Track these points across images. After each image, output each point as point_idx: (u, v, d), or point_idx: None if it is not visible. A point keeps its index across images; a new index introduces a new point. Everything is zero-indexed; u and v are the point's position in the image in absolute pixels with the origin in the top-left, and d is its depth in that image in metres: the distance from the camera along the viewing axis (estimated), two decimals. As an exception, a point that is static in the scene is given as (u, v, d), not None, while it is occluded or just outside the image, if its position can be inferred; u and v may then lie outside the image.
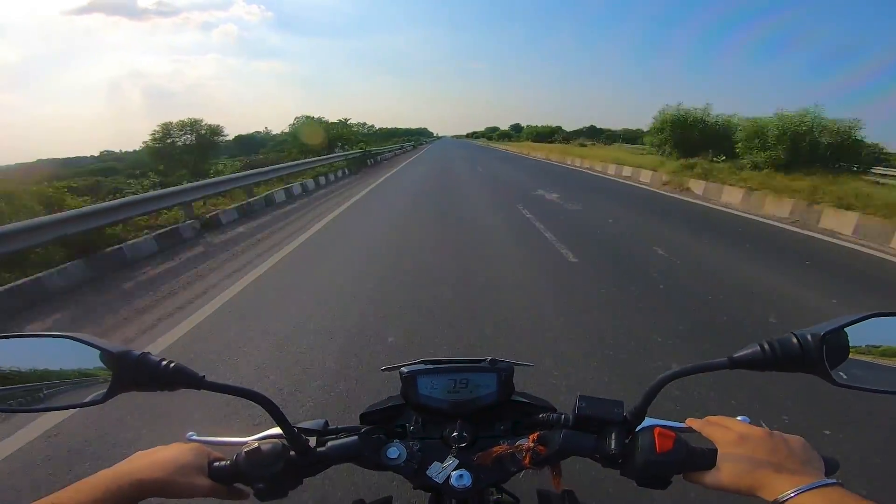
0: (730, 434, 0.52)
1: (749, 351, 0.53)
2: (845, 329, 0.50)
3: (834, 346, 0.50)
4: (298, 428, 0.61)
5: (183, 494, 0.52)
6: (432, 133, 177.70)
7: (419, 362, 0.73)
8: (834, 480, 0.45)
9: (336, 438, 0.63)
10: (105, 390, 0.51)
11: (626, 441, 0.56)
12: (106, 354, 0.51)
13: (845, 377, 0.50)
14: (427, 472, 0.62)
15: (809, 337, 0.50)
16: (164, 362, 0.52)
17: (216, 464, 0.57)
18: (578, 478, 1.74)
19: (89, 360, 0.51)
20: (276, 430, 0.60)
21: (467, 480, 0.61)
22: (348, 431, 0.65)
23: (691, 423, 0.57)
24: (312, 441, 0.61)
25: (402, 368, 0.71)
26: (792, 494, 0.44)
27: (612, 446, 0.56)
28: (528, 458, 0.60)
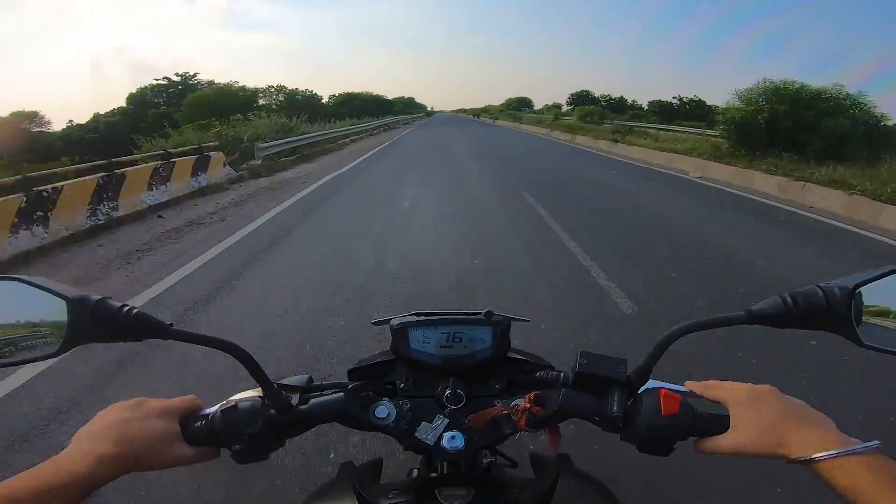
0: (738, 395, 0.49)
1: (769, 304, 0.49)
2: (868, 285, 0.46)
3: (858, 303, 0.46)
4: (279, 384, 0.56)
5: (164, 465, 0.49)
6: (424, 107, 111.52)
7: (411, 314, 0.69)
8: (874, 444, 0.41)
9: (321, 395, 0.59)
10: (60, 342, 0.45)
11: (629, 403, 0.52)
12: (60, 299, 0.45)
13: (874, 338, 0.46)
14: (416, 434, 0.59)
15: (837, 290, 0.46)
16: (126, 308, 0.47)
17: (190, 426, 0.52)
18: (573, 440, 1.70)
19: (41, 305, 0.45)
20: (256, 390, 0.56)
21: (459, 442, 0.58)
22: (334, 388, 0.60)
23: (691, 385, 0.54)
24: (295, 399, 0.56)
25: (393, 321, 0.67)
26: (833, 453, 0.40)
27: (615, 408, 0.51)
28: (523, 420, 0.57)
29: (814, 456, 0.41)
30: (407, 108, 78.53)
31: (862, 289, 0.45)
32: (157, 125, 16.40)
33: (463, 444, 0.58)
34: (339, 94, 58.21)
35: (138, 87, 39.84)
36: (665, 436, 0.49)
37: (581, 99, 75.14)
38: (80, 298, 0.45)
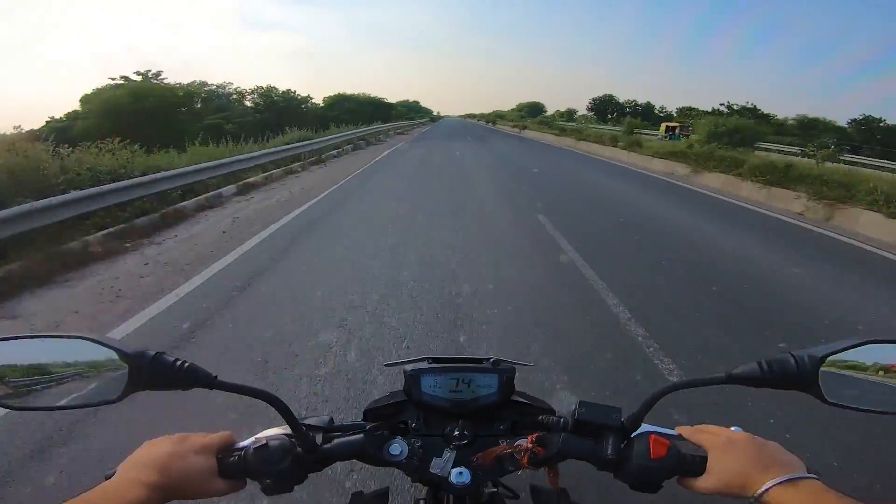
0: (718, 440, 0.55)
1: (747, 368, 0.55)
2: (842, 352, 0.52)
3: (828, 367, 0.52)
4: (305, 425, 0.62)
5: (200, 497, 0.54)
6: (429, 111, 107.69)
7: (422, 359, 0.74)
8: (812, 475, 0.48)
9: (341, 435, 0.65)
10: (119, 390, 0.52)
11: (622, 446, 0.59)
12: (120, 355, 0.51)
13: (838, 397, 0.52)
14: (430, 468, 0.64)
15: (807, 358, 0.53)
16: (179, 363, 0.53)
17: (225, 460, 0.57)
18: (570, 477, 1.75)
19: (103, 360, 0.52)
20: (283, 427, 0.62)
21: (467, 478, 0.63)
22: (353, 428, 0.66)
23: (681, 430, 0.60)
24: (318, 438, 0.63)
25: (406, 367, 0.73)
26: (770, 484, 0.47)
27: (609, 451, 0.58)
28: (525, 459, 0.63)
29: (756, 491, 0.48)
30: (410, 112, 70.60)
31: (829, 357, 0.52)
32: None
33: (469, 479, 0.63)
34: (332, 96, 50.87)
35: (94, 87, 30.95)
36: (654, 476, 0.56)
37: (604, 104, 65.79)
38: (138, 354, 0.52)
